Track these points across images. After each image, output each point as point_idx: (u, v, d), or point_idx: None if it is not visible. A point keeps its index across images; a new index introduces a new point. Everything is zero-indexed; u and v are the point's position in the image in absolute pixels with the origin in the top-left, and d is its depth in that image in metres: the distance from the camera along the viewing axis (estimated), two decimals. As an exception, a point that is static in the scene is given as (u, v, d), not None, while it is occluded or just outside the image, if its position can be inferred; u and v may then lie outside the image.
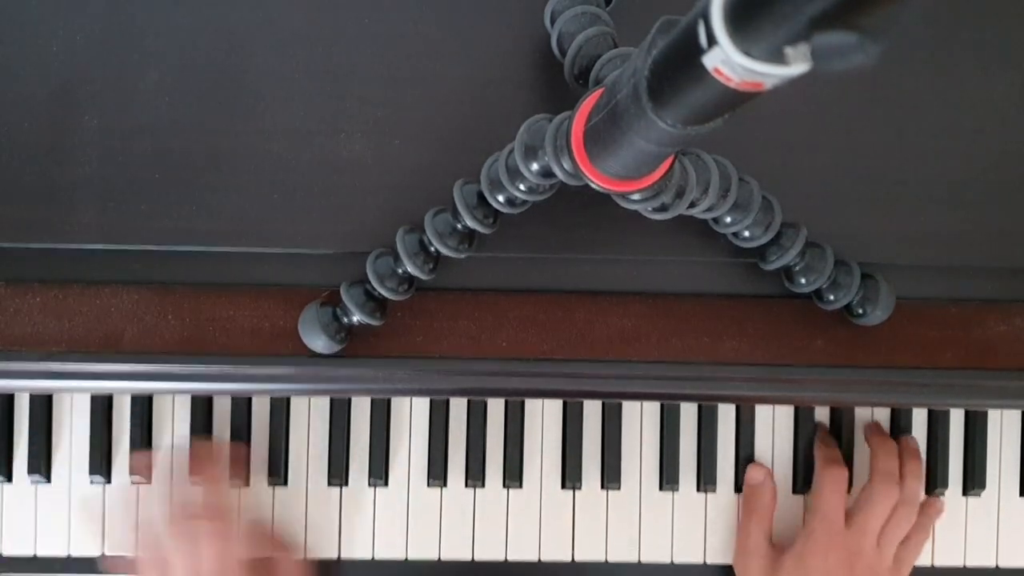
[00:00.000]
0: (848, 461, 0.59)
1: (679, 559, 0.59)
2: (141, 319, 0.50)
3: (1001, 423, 0.60)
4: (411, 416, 0.60)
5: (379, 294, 0.47)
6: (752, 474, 0.59)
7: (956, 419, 0.60)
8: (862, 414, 0.60)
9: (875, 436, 0.59)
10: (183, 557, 0.52)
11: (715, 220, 0.47)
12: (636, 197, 0.40)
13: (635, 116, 0.28)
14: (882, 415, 0.60)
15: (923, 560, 0.59)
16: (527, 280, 0.51)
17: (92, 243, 0.49)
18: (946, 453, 0.60)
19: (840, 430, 0.60)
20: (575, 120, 0.36)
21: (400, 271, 0.47)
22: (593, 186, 0.37)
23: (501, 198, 0.44)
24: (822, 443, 0.59)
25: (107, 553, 0.59)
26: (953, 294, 0.52)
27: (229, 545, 0.52)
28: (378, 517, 0.59)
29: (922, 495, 0.58)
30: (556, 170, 0.39)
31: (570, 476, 0.59)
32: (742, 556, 0.57)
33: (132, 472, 0.57)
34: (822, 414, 0.60)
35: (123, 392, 0.58)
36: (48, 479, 0.59)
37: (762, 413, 0.60)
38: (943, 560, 0.60)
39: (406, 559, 0.59)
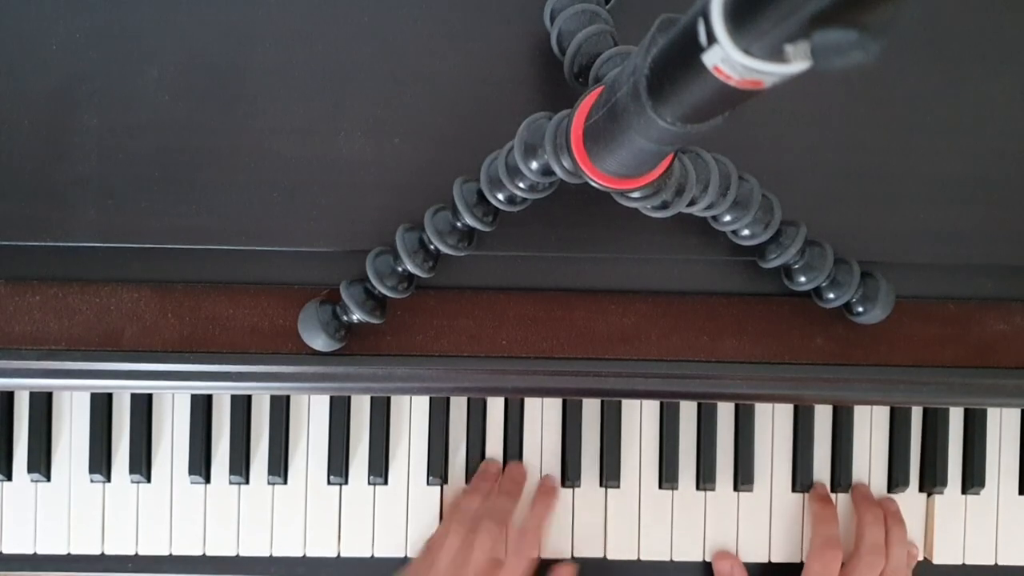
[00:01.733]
0: (848, 461, 0.59)
1: (678, 557, 0.60)
2: (141, 317, 0.50)
3: (1000, 421, 0.60)
4: (411, 414, 0.60)
5: (379, 292, 0.47)
6: (719, 564, 0.59)
7: (955, 417, 0.60)
8: (860, 414, 0.60)
9: (863, 503, 0.59)
10: (485, 560, 0.54)
11: (715, 218, 0.47)
12: (636, 195, 0.40)
13: (635, 114, 0.28)
14: (881, 414, 0.60)
15: (922, 556, 0.60)
16: (527, 279, 0.51)
17: (92, 241, 0.49)
18: (945, 451, 0.60)
19: (840, 429, 0.60)
20: (575, 118, 0.36)
21: (400, 269, 0.47)
22: (593, 184, 0.37)
23: (501, 196, 0.44)
24: (818, 518, 0.58)
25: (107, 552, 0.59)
26: (953, 292, 0.52)
27: (530, 567, 0.55)
28: (378, 515, 0.59)
29: (910, 563, 0.58)
30: (556, 168, 0.39)
31: (570, 474, 0.59)
32: None
33: (484, 470, 0.59)
34: (822, 413, 0.60)
35: (123, 391, 0.58)
36: (48, 477, 0.59)
37: (762, 412, 0.60)
38: (942, 558, 0.60)
39: (406, 557, 0.59)
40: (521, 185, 0.42)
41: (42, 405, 0.59)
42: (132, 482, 0.59)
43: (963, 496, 0.60)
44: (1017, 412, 0.60)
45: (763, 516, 0.60)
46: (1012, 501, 0.60)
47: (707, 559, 0.60)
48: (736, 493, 0.60)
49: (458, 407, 0.60)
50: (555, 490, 0.59)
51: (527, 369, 0.50)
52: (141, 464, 0.59)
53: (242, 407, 0.59)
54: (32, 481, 0.59)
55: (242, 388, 0.53)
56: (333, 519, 0.59)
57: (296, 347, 0.50)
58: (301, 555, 0.59)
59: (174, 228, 0.49)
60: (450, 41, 0.50)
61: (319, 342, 0.48)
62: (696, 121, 0.26)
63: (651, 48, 0.26)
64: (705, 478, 0.59)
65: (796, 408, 0.60)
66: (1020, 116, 0.51)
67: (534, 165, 0.41)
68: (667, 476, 0.59)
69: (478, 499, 0.57)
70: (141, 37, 0.49)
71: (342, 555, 0.59)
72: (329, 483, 0.59)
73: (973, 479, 0.60)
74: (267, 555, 0.59)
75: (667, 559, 0.59)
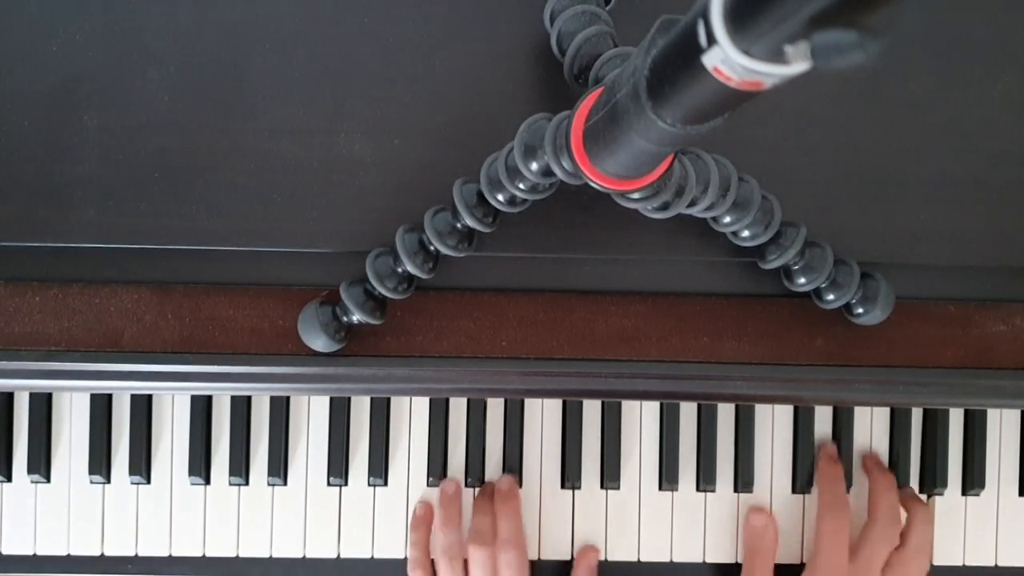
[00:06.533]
0: (848, 462, 0.59)
1: (678, 558, 0.59)
2: (141, 318, 0.50)
3: (1000, 422, 0.60)
4: (411, 415, 0.60)
5: (379, 293, 0.47)
6: (754, 519, 0.58)
7: (955, 418, 0.60)
8: (861, 414, 0.60)
9: (873, 469, 0.59)
10: None
11: (714, 219, 0.47)
12: (636, 196, 0.40)
13: (634, 115, 0.28)
14: (881, 414, 0.60)
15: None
16: (527, 280, 0.51)
17: (92, 242, 0.49)
18: (945, 452, 0.60)
19: (840, 430, 0.60)
20: (574, 119, 0.36)
21: (400, 270, 0.47)
22: (593, 185, 0.37)
23: (501, 197, 0.44)
24: (827, 477, 0.58)
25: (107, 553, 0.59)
26: (953, 293, 0.52)
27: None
28: (378, 516, 0.59)
29: (932, 541, 0.58)
30: (556, 169, 0.39)
31: (570, 475, 0.59)
32: None
33: (443, 499, 0.59)
34: (822, 414, 0.60)
35: (123, 391, 0.58)
36: (48, 479, 0.59)
37: (762, 412, 0.60)
38: (943, 559, 0.60)
39: (405, 558, 0.59)
40: (521, 186, 0.42)
41: (42, 406, 0.59)
42: (132, 483, 0.59)
43: (963, 497, 0.60)
44: (1017, 413, 0.60)
45: (763, 517, 0.60)
46: (1012, 502, 0.60)
47: (707, 560, 0.60)
48: (736, 494, 0.60)
49: (458, 408, 0.60)
50: (513, 492, 0.58)
51: (527, 370, 0.50)
52: (141, 465, 0.58)
53: (242, 408, 0.59)
54: (32, 482, 0.59)
55: (242, 389, 0.53)
56: (333, 520, 0.59)
57: (296, 348, 0.50)
58: (301, 556, 0.59)
59: (174, 228, 0.49)
60: (450, 42, 0.50)
61: (319, 343, 0.48)
62: (696, 122, 0.26)
63: (651, 49, 0.26)
64: (705, 479, 0.59)
65: (796, 409, 0.60)
66: (1020, 117, 0.51)
67: (534, 166, 0.41)
68: (667, 477, 0.59)
69: (455, 529, 0.57)
70: (141, 37, 0.49)
71: (342, 556, 0.59)
72: (329, 484, 0.59)
73: (973, 480, 0.60)
74: (267, 556, 0.59)
75: (667, 560, 0.59)
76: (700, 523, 0.60)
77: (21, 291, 0.50)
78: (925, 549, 0.57)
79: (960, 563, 0.60)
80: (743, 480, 0.59)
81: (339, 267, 0.50)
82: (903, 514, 0.58)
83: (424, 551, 0.58)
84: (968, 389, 0.51)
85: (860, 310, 0.49)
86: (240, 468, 0.59)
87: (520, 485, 0.59)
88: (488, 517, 0.57)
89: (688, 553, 0.60)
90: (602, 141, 0.33)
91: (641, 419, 0.60)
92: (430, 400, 0.59)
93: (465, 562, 0.57)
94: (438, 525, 0.58)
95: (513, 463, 0.59)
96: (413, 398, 0.59)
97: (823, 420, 0.60)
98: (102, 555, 0.59)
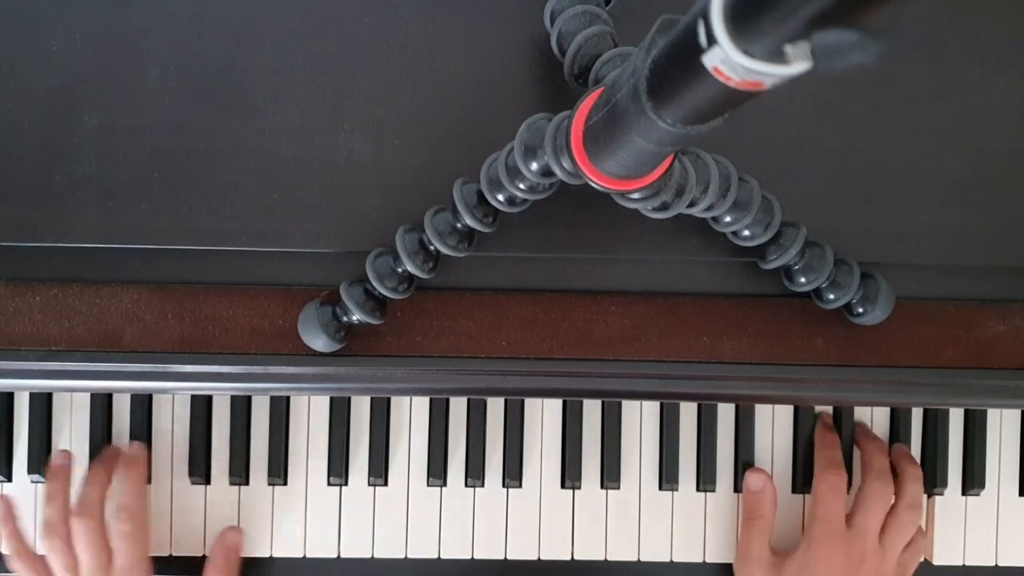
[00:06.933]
0: (847, 459, 0.59)
1: (678, 558, 0.59)
2: (141, 318, 0.50)
3: (1000, 422, 0.60)
4: (411, 415, 0.60)
5: (379, 293, 0.47)
6: (752, 479, 0.58)
7: (955, 418, 0.60)
8: (861, 415, 0.60)
9: (863, 437, 0.59)
10: (92, 556, 0.54)
11: (715, 219, 0.47)
12: (636, 196, 0.40)
13: (635, 115, 0.28)
14: (882, 414, 0.60)
15: (922, 558, 0.60)
16: (527, 280, 0.51)
17: (92, 242, 0.49)
18: (945, 452, 0.60)
19: (840, 430, 0.60)
20: (575, 119, 0.36)
21: (400, 270, 0.47)
22: (593, 185, 0.37)
23: (501, 197, 0.44)
24: (822, 442, 0.59)
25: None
26: (953, 293, 0.52)
27: (140, 546, 0.55)
28: (378, 516, 0.59)
29: (923, 498, 0.58)
30: (556, 169, 0.39)
31: (570, 475, 0.59)
32: (744, 564, 0.57)
33: (50, 471, 0.57)
34: (824, 409, 0.60)
35: (123, 391, 0.58)
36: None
37: (762, 412, 0.60)
38: (943, 559, 0.60)
39: (406, 558, 0.59)
40: (521, 186, 0.42)
41: (42, 406, 0.59)
42: (32, 482, 0.59)
43: (963, 497, 0.60)
44: (1017, 413, 0.60)
45: (763, 517, 0.60)
46: (1012, 502, 0.60)
47: (707, 560, 0.60)
48: (737, 494, 0.60)
49: (458, 408, 0.60)
50: (140, 458, 0.57)
51: (527, 370, 0.50)
52: (141, 465, 0.58)
53: (242, 408, 0.59)
54: (32, 482, 0.59)
55: (242, 389, 0.53)
56: (333, 520, 0.59)
57: (296, 348, 0.50)
58: (301, 556, 0.59)
59: (174, 228, 0.49)
60: (450, 42, 0.50)
61: (319, 343, 0.48)
62: (696, 122, 0.26)
63: (651, 49, 0.26)
64: (705, 479, 0.59)
65: (796, 409, 0.60)
66: (1020, 116, 0.51)
67: (534, 166, 0.41)
68: (667, 477, 0.59)
69: (58, 503, 0.55)
70: (141, 37, 0.49)
71: (342, 556, 0.59)
72: (329, 484, 0.59)
73: (973, 480, 0.60)
74: (267, 556, 0.59)
75: (667, 560, 0.59)
76: (700, 523, 0.60)
77: (21, 291, 0.50)
78: (917, 504, 0.57)
79: (960, 563, 0.60)
80: (743, 486, 0.59)
81: (339, 267, 0.50)
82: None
83: (21, 541, 0.56)
84: (968, 389, 0.51)
85: (860, 310, 0.49)
86: (240, 468, 0.59)
87: (520, 485, 0.59)
88: (98, 487, 0.55)
89: (688, 553, 0.60)
90: (602, 141, 0.33)
91: (641, 419, 0.60)
92: (430, 400, 0.59)
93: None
94: (42, 501, 0.56)
95: (513, 463, 0.59)
96: (413, 398, 0.59)
97: (826, 411, 0.60)
98: None
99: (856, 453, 0.60)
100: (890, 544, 0.56)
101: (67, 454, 0.58)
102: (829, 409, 0.60)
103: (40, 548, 0.56)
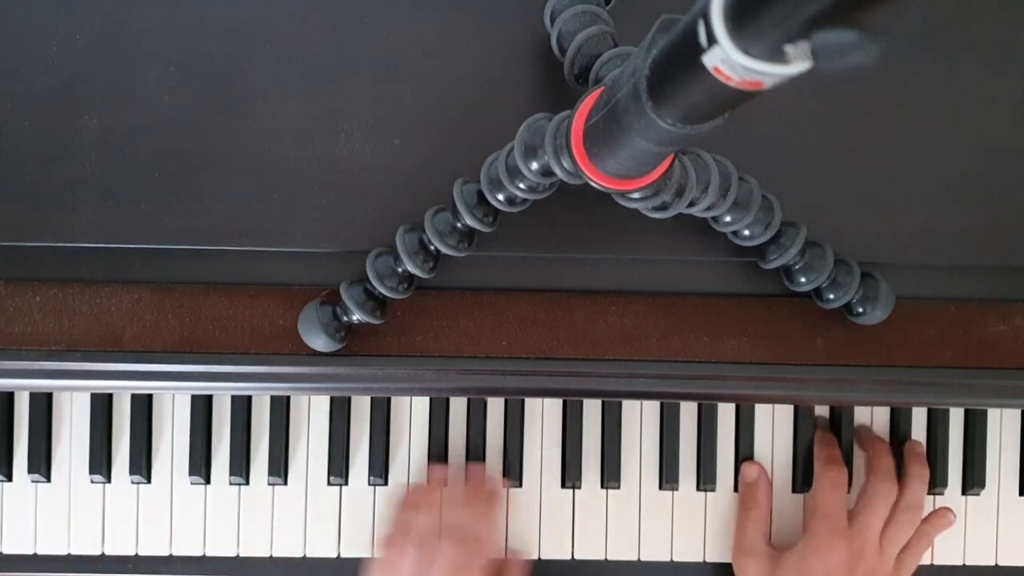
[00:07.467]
0: (847, 461, 0.59)
1: (679, 558, 0.59)
2: (141, 318, 0.50)
3: (1001, 422, 0.60)
4: (411, 415, 0.60)
5: (379, 293, 0.47)
6: (747, 471, 0.59)
7: (956, 418, 0.60)
8: (861, 415, 0.60)
9: (866, 438, 0.59)
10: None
11: (715, 219, 0.47)
12: (636, 196, 0.40)
13: (635, 115, 0.28)
14: (882, 414, 0.60)
15: (923, 559, 0.59)
16: (527, 279, 0.51)
17: (92, 242, 0.49)
18: (945, 452, 0.60)
19: (840, 430, 0.60)
20: (575, 119, 0.36)
21: (400, 270, 0.47)
22: (593, 185, 0.37)
23: (501, 197, 0.44)
24: (822, 442, 0.59)
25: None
26: (953, 293, 0.52)
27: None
28: (378, 515, 0.59)
29: (924, 499, 0.58)
30: (556, 169, 0.39)
31: (570, 475, 0.59)
32: (741, 555, 0.57)
33: (429, 480, 0.58)
34: (822, 412, 0.60)
35: (123, 391, 0.58)
36: (48, 478, 0.59)
37: (762, 412, 0.60)
38: (943, 559, 0.60)
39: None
40: (521, 186, 0.42)
41: (42, 406, 0.59)
42: (132, 483, 0.59)
43: (963, 497, 0.60)
44: (1017, 413, 0.60)
45: (763, 517, 0.60)
46: (1012, 502, 0.60)
47: (707, 560, 0.60)
48: (737, 494, 0.60)
49: (458, 408, 0.60)
50: (495, 494, 0.58)
51: (527, 370, 0.50)
52: (141, 465, 0.58)
53: (242, 407, 0.59)
54: (32, 482, 0.59)
55: (242, 389, 0.53)
56: (333, 520, 0.59)
57: (296, 348, 0.50)
58: (301, 556, 0.59)
59: (174, 228, 0.49)
60: (450, 41, 0.50)
61: (319, 342, 0.48)
62: (696, 122, 0.26)
63: (651, 49, 0.26)
64: (705, 479, 0.59)
65: (796, 409, 0.60)
66: (1020, 116, 0.51)
67: (534, 166, 0.41)
68: (667, 477, 0.59)
69: (430, 516, 0.56)
70: (141, 37, 0.49)
71: (342, 555, 0.59)
72: (329, 484, 0.59)
73: (973, 480, 0.60)
74: (267, 556, 0.59)
75: (667, 560, 0.59)
76: (700, 523, 0.60)
77: (21, 291, 0.50)
78: (917, 504, 0.57)
79: (960, 563, 0.60)
80: (739, 478, 0.59)
81: (339, 267, 0.50)
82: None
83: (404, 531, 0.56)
84: (968, 389, 0.51)
85: (860, 310, 0.49)
86: (240, 468, 0.59)
87: (520, 485, 0.59)
88: (465, 511, 0.56)
89: (688, 553, 0.60)
90: (602, 141, 0.33)
91: (641, 419, 0.60)
92: (430, 400, 0.59)
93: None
94: (419, 508, 0.57)
95: (513, 463, 0.59)
96: (413, 398, 0.59)
97: (824, 415, 0.60)
98: (102, 554, 0.59)
99: (857, 452, 0.60)
100: (888, 542, 0.56)
101: (444, 468, 0.58)
102: (827, 412, 0.60)
103: (379, 549, 0.56)
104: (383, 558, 0.55)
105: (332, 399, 0.59)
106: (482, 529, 0.56)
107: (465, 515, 0.56)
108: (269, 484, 0.59)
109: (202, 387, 0.52)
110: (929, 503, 0.60)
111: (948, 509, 0.59)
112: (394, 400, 0.59)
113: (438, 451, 0.59)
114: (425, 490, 0.58)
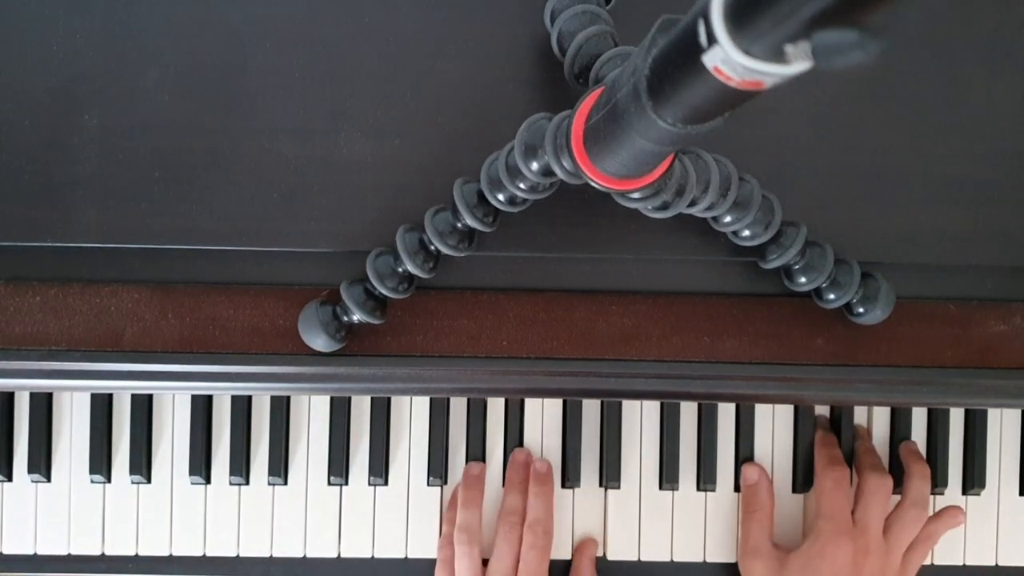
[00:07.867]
0: (848, 461, 0.59)
1: (679, 557, 0.59)
2: (141, 318, 0.50)
3: (1001, 422, 0.60)
4: (411, 415, 0.60)
5: (379, 293, 0.47)
6: (747, 473, 0.59)
7: (956, 418, 0.60)
8: (861, 414, 0.60)
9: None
10: (506, 566, 0.56)
11: (715, 219, 0.47)
12: (636, 196, 0.40)
13: (635, 115, 0.28)
14: (882, 414, 0.60)
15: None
16: (527, 279, 0.51)
17: (92, 242, 0.49)
18: (946, 452, 0.60)
19: (840, 429, 0.60)
20: (575, 119, 0.36)
21: (400, 270, 0.47)
22: (593, 185, 0.37)
23: (501, 197, 0.44)
24: (823, 442, 0.59)
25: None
26: (953, 293, 0.52)
27: (546, 561, 0.57)
28: (378, 516, 0.59)
29: (929, 496, 0.58)
30: (556, 169, 0.39)
31: (570, 475, 0.59)
32: (747, 557, 0.57)
33: (466, 479, 0.59)
34: (821, 412, 0.60)
35: (123, 391, 0.58)
36: (48, 478, 0.59)
37: (762, 412, 0.60)
38: (943, 559, 0.60)
39: (406, 558, 0.59)
40: (521, 186, 0.42)
41: (42, 406, 0.59)
42: (132, 483, 0.59)
43: (964, 497, 0.60)
44: (1018, 413, 0.60)
45: (763, 517, 0.60)
46: (1013, 502, 0.60)
47: (707, 560, 0.60)
48: (736, 494, 0.60)
49: (458, 407, 0.60)
50: (550, 474, 0.59)
51: (527, 369, 0.50)
52: (141, 465, 0.58)
53: (242, 408, 0.59)
54: (32, 482, 0.59)
55: (242, 388, 0.53)
56: (333, 520, 0.59)
57: (296, 348, 0.50)
58: (301, 556, 0.59)
59: (174, 228, 0.49)
60: (450, 41, 0.50)
61: (319, 342, 0.48)
62: (696, 122, 0.26)
63: (651, 49, 0.26)
64: (705, 479, 0.59)
65: (796, 409, 0.60)
66: (1020, 116, 0.51)
67: (534, 166, 0.41)
68: (667, 477, 0.59)
69: (476, 510, 0.57)
70: (141, 37, 0.49)
71: (342, 556, 0.59)
72: (329, 484, 0.59)
73: (974, 480, 0.60)
74: (267, 556, 0.59)
75: (667, 560, 0.59)
76: (700, 523, 0.60)
77: (21, 291, 0.50)
78: (923, 501, 0.57)
79: (960, 563, 0.60)
80: (740, 480, 0.59)
81: (339, 267, 0.50)
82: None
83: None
84: (968, 389, 0.51)
85: (861, 310, 0.49)
86: (241, 468, 0.59)
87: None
88: (520, 498, 0.57)
89: (688, 553, 0.60)
90: (602, 141, 0.33)
91: (641, 419, 0.60)
92: (430, 400, 0.59)
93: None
94: (459, 504, 0.58)
95: (513, 463, 0.59)
96: (413, 398, 0.59)
97: (824, 415, 0.60)
98: (103, 555, 0.59)
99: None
100: (895, 540, 0.56)
101: (483, 465, 0.59)
102: (827, 412, 0.60)
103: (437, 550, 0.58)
104: (453, 556, 0.57)
105: (332, 399, 0.59)
106: (543, 512, 0.57)
107: (527, 500, 0.57)
108: (269, 484, 0.59)
109: (202, 387, 0.52)
110: (930, 504, 0.60)
111: (959, 509, 0.59)
112: (394, 400, 0.59)
113: (438, 451, 0.59)
114: (466, 487, 0.58)
